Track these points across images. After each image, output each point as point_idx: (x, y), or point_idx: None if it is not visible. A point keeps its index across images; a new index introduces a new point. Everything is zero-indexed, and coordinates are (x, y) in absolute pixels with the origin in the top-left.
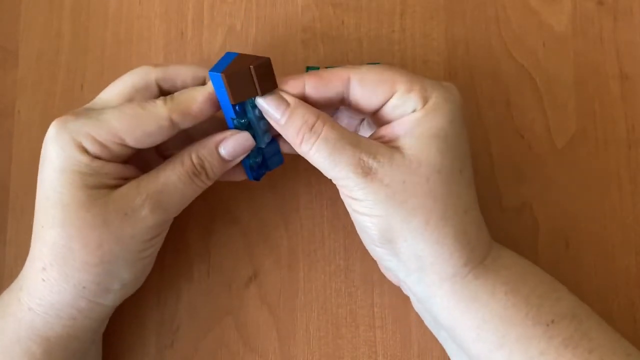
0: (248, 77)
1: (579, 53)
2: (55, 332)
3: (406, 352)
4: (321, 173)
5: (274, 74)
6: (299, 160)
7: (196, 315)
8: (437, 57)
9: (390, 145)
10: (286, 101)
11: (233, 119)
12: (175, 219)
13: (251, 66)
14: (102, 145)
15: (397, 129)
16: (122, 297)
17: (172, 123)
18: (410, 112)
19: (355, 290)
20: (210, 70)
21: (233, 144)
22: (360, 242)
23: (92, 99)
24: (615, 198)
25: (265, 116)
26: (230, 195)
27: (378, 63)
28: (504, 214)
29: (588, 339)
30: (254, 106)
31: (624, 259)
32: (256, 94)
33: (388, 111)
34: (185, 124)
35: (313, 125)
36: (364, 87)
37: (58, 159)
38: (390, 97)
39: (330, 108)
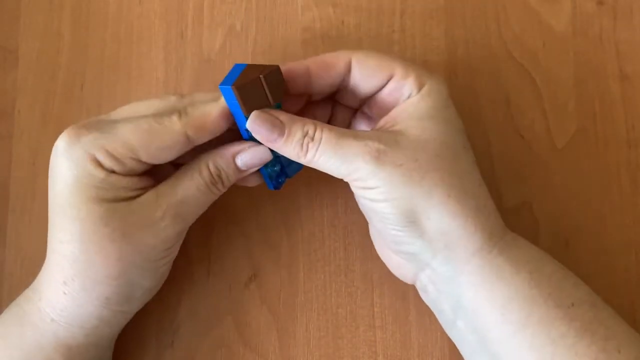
0: (259, 87)
1: (579, 53)
2: (77, 341)
3: (406, 352)
4: (321, 173)
5: (284, 81)
6: None
7: (196, 315)
8: (437, 57)
9: (393, 130)
10: (279, 121)
11: (247, 131)
12: None
13: (261, 75)
14: (116, 159)
15: (396, 115)
16: (144, 303)
17: (188, 139)
18: (406, 97)
19: (355, 290)
20: (220, 84)
21: (251, 156)
22: (360, 242)
23: (92, 99)
24: (615, 198)
25: (260, 140)
26: (230, 195)
27: None
28: (504, 214)
29: (605, 326)
30: None
31: (624, 259)
32: (268, 104)
33: (384, 96)
34: (201, 139)
35: (314, 134)
36: (364, 70)
37: (71, 173)
38: (388, 82)
39: (328, 94)
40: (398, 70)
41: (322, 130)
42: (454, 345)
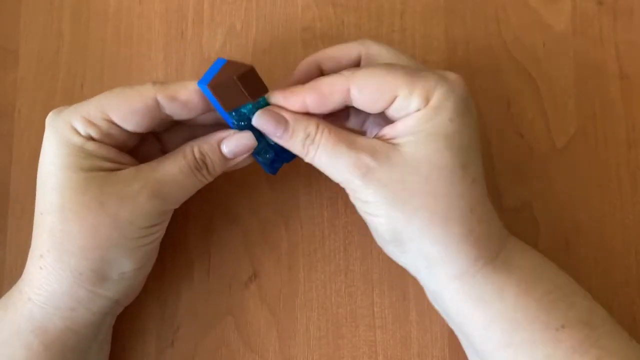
0: (235, 86)
1: (579, 53)
2: (54, 324)
3: (406, 352)
4: (321, 173)
5: (260, 80)
6: (299, 161)
7: (196, 315)
8: (437, 57)
9: (392, 142)
10: (284, 118)
11: (233, 123)
12: (175, 219)
13: (234, 77)
14: (91, 123)
15: (399, 127)
16: (123, 292)
17: (158, 104)
18: (414, 111)
19: (355, 290)
20: (199, 82)
21: (235, 143)
22: (360, 242)
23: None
24: (616, 198)
25: (267, 135)
26: (231, 195)
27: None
28: (504, 214)
29: (598, 346)
30: (256, 110)
31: (624, 259)
32: (248, 100)
33: (393, 113)
34: (172, 109)
35: (314, 136)
36: (365, 95)
37: (52, 143)
38: (393, 101)
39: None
40: (401, 90)
41: (322, 134)
42: (454, 345)
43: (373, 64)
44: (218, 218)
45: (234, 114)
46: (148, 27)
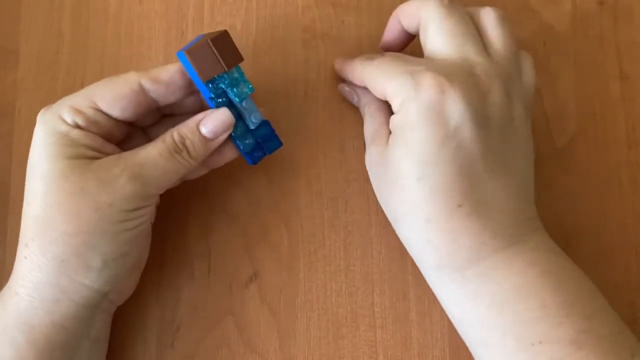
0: (209, 51)
1: (579, 53)
2: (40, 318)
3: (406, 352)
4: (321, 172)
5: (234, 46)
6: (299, 160)
7: (196, 315)
8: None
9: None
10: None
11: (211, 99)
12: (175, 218)
13: (208, 40)
14: (77, 111)
15: (392, 121)
16: (110, 283)
17: (142, 88)
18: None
19: (356, 290)
20: (177, 52)
21: (213, 121)
22: (360, 242)
23: None
24: (616, 198)
25: (245, 117)
26: (230, 194)
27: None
28: None
29: None
30: (233, 85)
31: (624, 259)
32: (223, 70)
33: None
34: (157, 92)
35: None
36: (370, 87)
37: (39, 136)
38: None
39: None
40: (387, 90)
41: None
42: (454, 345)
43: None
44: (218, 218)
45: (210, 85)
46: (148, 27)
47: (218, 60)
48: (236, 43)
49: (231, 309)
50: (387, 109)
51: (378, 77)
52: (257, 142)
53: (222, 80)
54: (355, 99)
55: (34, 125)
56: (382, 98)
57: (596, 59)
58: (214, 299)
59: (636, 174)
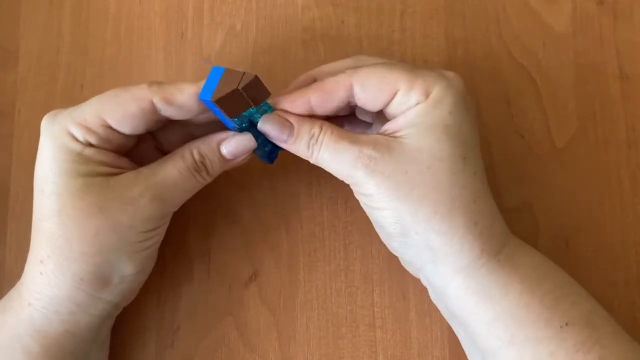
0: (239, 96)
1: (579, 53)
2: (54, 329)
3: (406, 352)
4: (321, 173)
5: (263, 86)
6: (299, 161)
7: (196, 315)
8: (437, 57)
9: (394, 136)
10: (289, 122)
11: (235, 127)
12: (175, 219)
13: (239, 88)
14: (89, 130)
15: (400, 121)
16: (123, 295)
17: (154, 107)
18: (414, 105)
19: (355, 290)
20: (200, 95)
21: (235, 144)
22: (360, 242)
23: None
24: (616, 198)
25: (272, 140)
26: (231, 195)
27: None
28: (504, 214)
29: (600, 345)
30: (257, 112)
31: (624, 259)
32: (250, 107)
33: (393, 109)
34: (169, 112)
35: (318, 135)
36: (367, 91)
37: (49, 149)
38: (394, 97)
39: (338, 113)
40: (402, 85)
41: (325, 133)
42: (454, 345)
43: (374, 63)
44: (218, 218)
45: (236, 119)
46: (148, 27)
47: (247, 102)
48: (236, 43)
49: (231, 309)
50: (345, 125)
51: (384, 74)
52: (274, 144)
53: (247, 111)
54: (286, 136)
55: (34, 126)
56: (384, 95)
57: (596, 59)
58: (214, 299)
59: (636, 174)
